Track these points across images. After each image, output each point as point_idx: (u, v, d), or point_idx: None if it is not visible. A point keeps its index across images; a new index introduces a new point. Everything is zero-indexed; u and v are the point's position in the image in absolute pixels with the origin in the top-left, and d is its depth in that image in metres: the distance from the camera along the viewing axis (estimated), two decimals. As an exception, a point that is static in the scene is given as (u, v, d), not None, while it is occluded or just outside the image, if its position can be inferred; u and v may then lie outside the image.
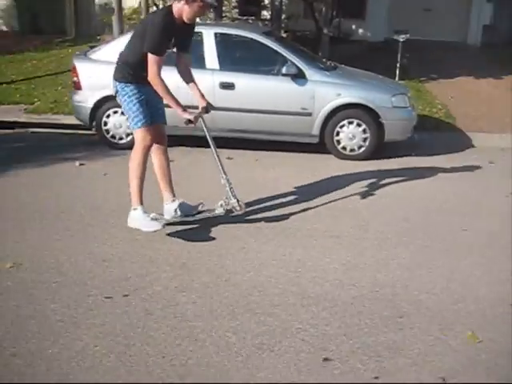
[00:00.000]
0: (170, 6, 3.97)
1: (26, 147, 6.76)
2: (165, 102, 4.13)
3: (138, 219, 4.07)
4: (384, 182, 5.58)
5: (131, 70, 4.04)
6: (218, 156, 4.21)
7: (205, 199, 4.46)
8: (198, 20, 4.47)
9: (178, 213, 4.19)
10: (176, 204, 4.21)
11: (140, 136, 4.03)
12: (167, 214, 4.23)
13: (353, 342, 2.91)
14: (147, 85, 3.97)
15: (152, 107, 4.11)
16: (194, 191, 4.85)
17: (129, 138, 6.28)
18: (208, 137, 4.21)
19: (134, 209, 4.09)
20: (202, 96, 4.23)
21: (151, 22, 3.94)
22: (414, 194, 5.32)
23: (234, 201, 4.16)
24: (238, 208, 4.19)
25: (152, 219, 4.05)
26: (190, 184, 5.13)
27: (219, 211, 4.22)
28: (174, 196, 4.27)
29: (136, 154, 4.06)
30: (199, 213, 4.33)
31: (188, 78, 4.23)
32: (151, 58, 3.86)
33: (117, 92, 4.11)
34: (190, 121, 4.02)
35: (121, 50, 4.24)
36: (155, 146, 4.18)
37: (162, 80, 3.93)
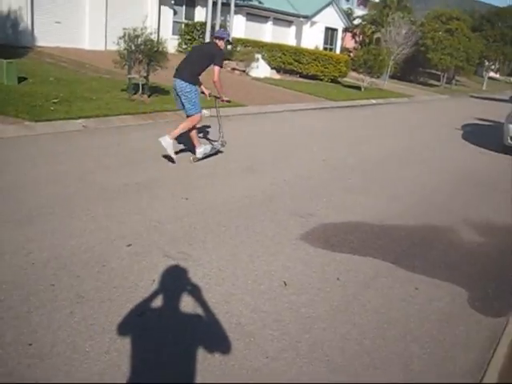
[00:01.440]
0: (215, 42, 7.28)
1: None
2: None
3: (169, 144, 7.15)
4: None
5: (198, 77, 7.20)
6: (220, 120, 7.84)
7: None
8: None
9: (206, 151, 7.62)
10: (203, 147, 7.61)
11: (197, 117, 7.24)
12: (199, 154, 7.55)
13: None
14: None
15: None
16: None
17: None
18: (217, 110, 7.82)
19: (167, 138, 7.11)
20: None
21: (217, 51, 7.14)
22: None
23: (224, 139, 7.80)
24: (225, 143, 7.85)
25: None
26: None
27: (218, 146, 7.87)
28: (200, 144, 7.64)
29: (189, 124, 7.21)
30: (212, 149, 7.79)
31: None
32: (219, 69, 7.05)
33: (187, 89, 6.98)
34: (228, 101, 7.73)
35: (185, 64, 7.18)
36: None
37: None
